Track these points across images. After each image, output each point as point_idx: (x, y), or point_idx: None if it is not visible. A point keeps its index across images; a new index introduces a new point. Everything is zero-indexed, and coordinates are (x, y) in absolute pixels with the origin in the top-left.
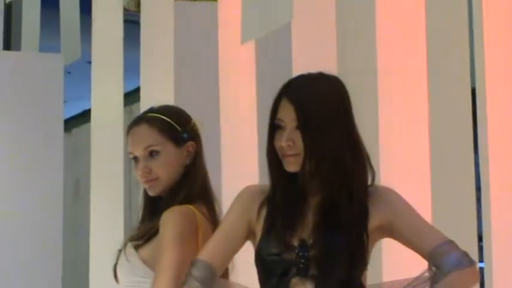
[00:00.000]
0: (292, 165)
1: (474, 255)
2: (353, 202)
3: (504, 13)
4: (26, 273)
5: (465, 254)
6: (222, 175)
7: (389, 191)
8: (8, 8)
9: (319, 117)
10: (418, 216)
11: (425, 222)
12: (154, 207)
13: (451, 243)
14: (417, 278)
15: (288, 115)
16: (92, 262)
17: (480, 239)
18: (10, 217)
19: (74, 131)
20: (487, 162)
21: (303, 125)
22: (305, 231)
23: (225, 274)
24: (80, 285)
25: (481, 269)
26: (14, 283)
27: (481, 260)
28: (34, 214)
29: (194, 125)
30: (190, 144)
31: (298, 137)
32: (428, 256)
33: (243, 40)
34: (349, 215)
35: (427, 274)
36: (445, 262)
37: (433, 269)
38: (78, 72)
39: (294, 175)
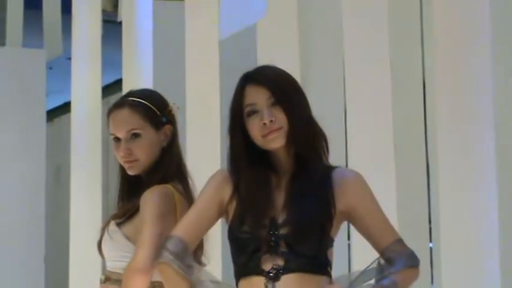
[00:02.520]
0: (276, 141)
1: (425, 238)
2: (318, 175)
3: (453, 7)
4: (11, 252)
5: (413, 254)
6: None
7: (356, 177)
8: None
9: (290, 90)
10: (379, 208)
11: (384, 216)
12: (132, 186)
13: (402, 241)
14: (366, 270)
15: (260, 97)
16: (72, 240)
17: (429, 220)
18: None
19: (56, 120)
20: (435, 152)
21: (280, 99)
22: (275, 210)
23: (200, 246)
24: (61, 262)
25: (430, 248)
26: (0, 261)
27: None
28: (18, 197)
29: (172, 109)
30: (167, 128)
31: (277, 112)
32: (382, 249)
33: (221, 36)
34: (317, 189)
35: (374, 265)
36: (400, 259)
37: (381, 261)
38: (59, 68)
39: (261, 159)
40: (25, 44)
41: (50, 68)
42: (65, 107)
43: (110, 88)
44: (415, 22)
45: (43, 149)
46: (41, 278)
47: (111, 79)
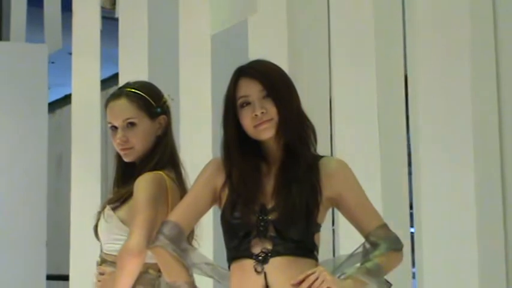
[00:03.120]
0: (267, 131)
1: (406, 223)
2: (306, 164)
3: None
4: (15, 237)
5: (397, 238)
6: (181, 145)
7: (342, 165)
8: None
9: (281, 84)
10: (363, 195)
11: (369, 202)
12: (126, 173)
13: (386, 226)
14: (352, 254)
15: (252, 89)
16: (73, 226)
17: (411, 207)
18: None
19: (57, 112)
20: (418, 141)
21: (271, 92)
22: (265, 197)
23: (191, 230)
24: (62, 247)
25: (412, 233)
26: (4, 245)
27: (411, 226)
28: (21, 184)
29: (166, 100)
30: (162, 118)
31: (268, 104)
32: (367, 234)
33: (212, 31)
34: (304, 178)
35: (360, 249)
36: (384, 243)
37: (366, 246)
38: (61, 62)
39: (252, 149)
40: (28, 39)
41: (52, 62)
42: (66, 99)
43: (109, 81)
44: (397, 18)
45: (45, 139)
46: (43, 262)
47: (110, 73)
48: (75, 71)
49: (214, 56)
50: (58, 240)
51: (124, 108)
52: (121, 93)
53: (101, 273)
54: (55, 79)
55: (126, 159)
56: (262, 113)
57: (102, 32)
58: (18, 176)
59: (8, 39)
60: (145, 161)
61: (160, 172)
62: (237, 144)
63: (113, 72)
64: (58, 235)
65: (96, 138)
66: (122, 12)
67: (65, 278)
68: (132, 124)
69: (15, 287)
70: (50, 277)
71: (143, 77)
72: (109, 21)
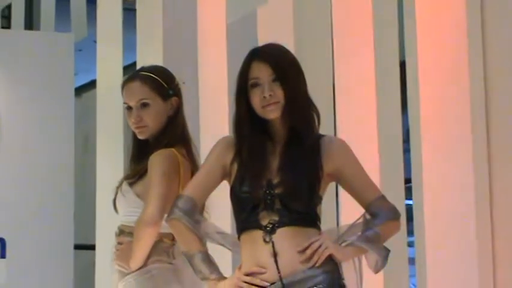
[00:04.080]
0: (273, 112)
1: (402, 195)
2: (309, 144)
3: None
4: (45, 209)
5: (395, 208)
6: (200, 125)
7: (341, 143)
8: None
9: (290, 70)
10: (362, 169)
11: (367, 176)
12: (141, 150)
13: (384, 197)
14: (353, 223)
15: (263, 72)
16: (98, 199)
17: (408, 181)
18: (31, 167)
19: (84, 95)
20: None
21: (280, 76)
22: (271, 173)
23: (203, 205)
24: (88, 218)
25: (410, 205)
26: (35, 217)
27: (409, 198)
28: (51, 161)
29: (178, 83)
30: (174, 99)
31: (277, 88)
32: (367, 205)
33: (228, 19)
34: (306, 156)
35: (361, 220)
36: (383, 213)
37: (366, 216)
38: (87, 50)
39: (261, 127)
40: (56, 29)
41: (80, 50)
42: (92, 84)
43: (130, 68)
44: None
45: (72, 121)
46: (70, 233)
47: (132, 59)
48: (99, 58)
49: (230, 44)
50: (85, 212)
51: (138, 90)
52: (136, 76)
53: (119, 243)
54: (82, 65)
55: (140, 137)
56: (270, 95)
57: (124, 22)
58: (48, 154)
59: (38, 28)
60: (158, 138)
61: (172, 149)
62: (247, 119)
63: (135, 59)
64: (85, 207)
65: (118, 118)
66: (139, 3)
67: (91, 247)
68: (145, 104)
69: (46, 256)
70: (77, 246)
71: (159, 63)
72: (130, 12)
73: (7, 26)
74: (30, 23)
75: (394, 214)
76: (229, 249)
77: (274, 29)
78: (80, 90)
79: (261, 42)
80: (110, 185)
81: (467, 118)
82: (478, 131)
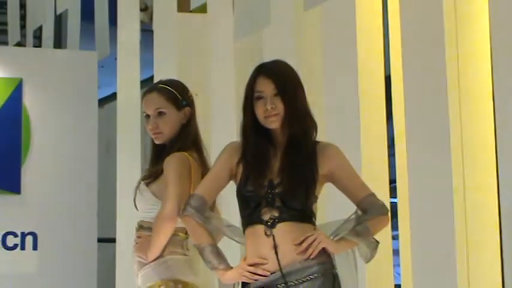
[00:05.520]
0: (274, 123)
1: (386, 195)
2: (307, 150)
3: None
4: (71, 208)
5: (383, 204)
6: (211, 131)
7: (334, 148)
8: (58, 18)
9: (291, 87)
10: (353, 170)
11: (358, 176)
12: (158, 153)
13: (374, 195)
14: (347, 219)
15: (267, 87)
16: (119, 198)
17: (393, 181)
18: (59, 169)
19: (106, 106)
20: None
21: (281, 92)
22: (273, 174)
23: (214, 203)
24: (110, 215)
25: (395, 203)
26: (63, 214)
27: (393, 196)
28: (76, 166)
29: (191, 95)
30: (187, 109)
31: (278, 102)
32: (358, 202)
33: (235, 40)
34: (304, 160)
35: (353, 216)
36: (372, 209)
37: (358, 212)
38: (109, 66)
39: (264, 134)
40: (81, 47)
41: (102, 67)
42: (113, 96)
43: (146, 82)
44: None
45: (95, 128)
46: (94, 228)
47: (147, 75)
48: (119, 73)
49: (237, 60)
50: (107, 209)
51: (155, 100)
52: (154, 87)
53: (138, 237)
54: (104, 80)
55: (156, 142)
56: (272, 107)
57: (141, 41)
58: (74, 157)
59: (65, 47)
60: (172, 143)
61: (185, 153)
62: (252, 127)
63: (150, 74)
64: (107, 205)
65: (136, 127)
66: (156, 25)
67: (113, 240)
68: (161, 113)
69: (73, 248)
70: (100, 240)
71: (173, 77)
72: (147, 32)
73: (38, 45)
74: (59, 42)
75: (383, 209)
76: (237, 241)
77: (278, 50)
78: (102, 102)
79: (266, 59)
80: (129, 184)
81: (446, 127)
82: (455, 137)
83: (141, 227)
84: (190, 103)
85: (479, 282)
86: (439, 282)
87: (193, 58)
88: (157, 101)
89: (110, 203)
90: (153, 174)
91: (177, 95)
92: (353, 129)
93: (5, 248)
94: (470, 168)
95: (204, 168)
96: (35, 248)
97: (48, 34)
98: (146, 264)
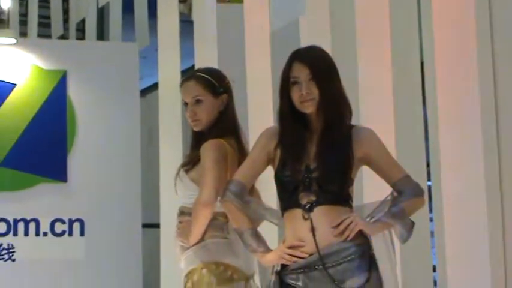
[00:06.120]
0: (309, 107)
1: (424, 177)
2: (342, 135)
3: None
4: (116, 195)
5: (419, 185)
6: (248, 117)
7: (369, 131)
8: (100, 10)
9: (325, 71)
10: (388, 152)
11: (393, 158)
12: (197, 140)
13: (409, 176)
14: (383, 201)
15: (302, 72)
16: (162, 185)
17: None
18: (103, 157)
19: (148, 96)
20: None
21: (316, 77)
22: (309, 159)
23: (252, 187)
24: (153, 201)
25: (430, 186)
26: (109, 201)
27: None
28: (120, 153)
29: (228, 82)
30: (224, 96)
31: (313, 87)
32: (393, 184)
33: (272, 27)
34: (339, 144)
35: (389, 198)
36: (408, 190)
37: (394, 194)
38: (150, 57)
39: (300, 120)
40: (123, 39)
41: (144, 57)
42: (154, 86)
43: (187, 71)
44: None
45: (138, 117)
46: (139, 213)
47: (188, 65)
48: (160, 64)
49: (273, 47)
50: (151, 195)
51: (193, 88)
52: (191, 76)
53: (180, 222)
54: (146, 71)
55: (195, 129)
56: (307, 93)
57: (181, 32)
58: (118, 145)
59: (107, 39)
60: (210, 130)
61: (221, 139)
62: (288, 112)
63: (190, 64)
64: (150, 191)
65: (177, 115)
66: (196, 16)
67: (157, 225)
68: (199, 101)
69: (118, 233)
70: (145, 225)
71: (213, 65)
72: (186, 23)
73: (82, 37)
74: (101, 34)
75: (418, 191)
76: (275, 224)
77: (313, 35)
78: (144, 92)
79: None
80: (171, 171)
81: (477, 112)
82: (487, 121)
83: (182, 212)
84: (227, 90)
85: None
86: (473, 264)
87: (232, 47)
88: (194, 89)
89: (154, 189)
90: (191, 160)
91: (213, 82)
92: (388, 112)
93: (54, 235)
94: (504, 150)
95: (241, 155)
96: (82, 234)
97: (90, 27)
98: (188, 248)
